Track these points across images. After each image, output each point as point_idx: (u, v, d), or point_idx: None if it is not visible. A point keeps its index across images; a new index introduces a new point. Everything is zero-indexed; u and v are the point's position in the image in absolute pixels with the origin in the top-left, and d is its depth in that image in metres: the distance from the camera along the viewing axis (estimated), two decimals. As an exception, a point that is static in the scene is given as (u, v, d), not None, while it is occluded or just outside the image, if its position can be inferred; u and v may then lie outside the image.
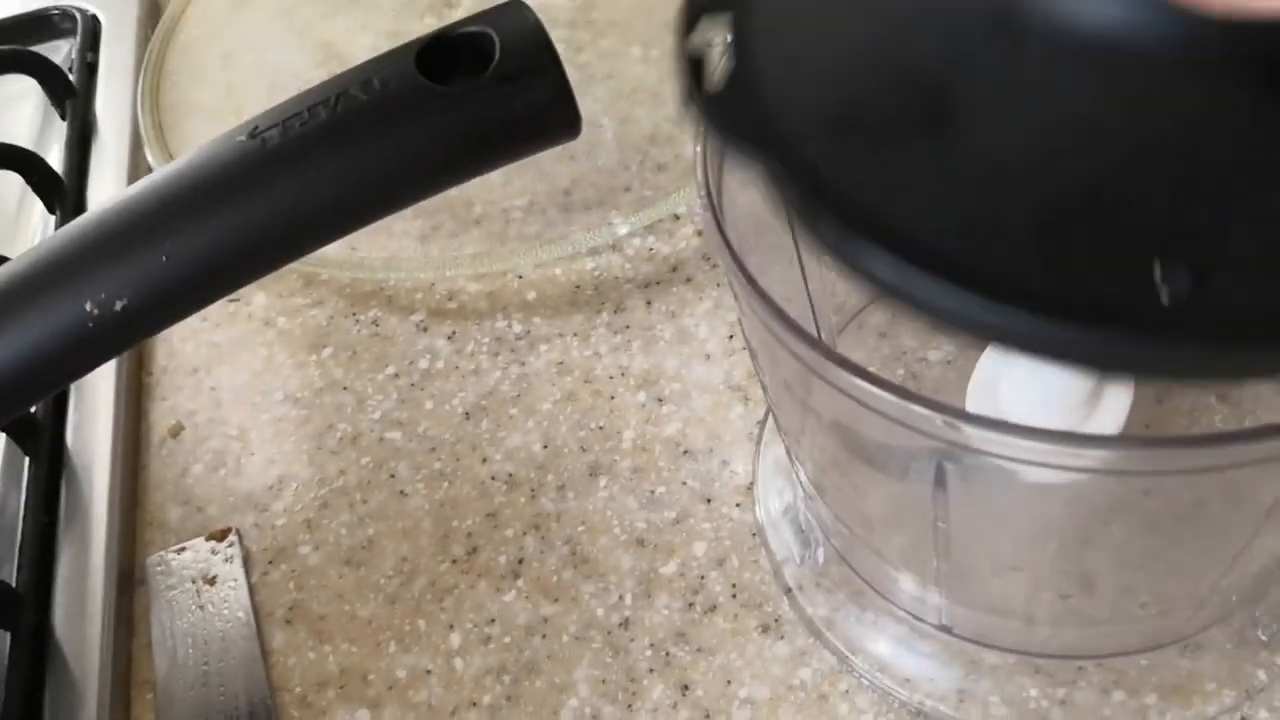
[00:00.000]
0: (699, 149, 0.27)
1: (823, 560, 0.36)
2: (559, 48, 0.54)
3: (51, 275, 0.28)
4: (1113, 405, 0.30)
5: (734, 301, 0.42)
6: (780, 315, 0.24)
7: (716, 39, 0.22)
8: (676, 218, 0.46)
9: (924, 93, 0.20)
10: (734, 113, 0.21)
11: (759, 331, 0.26)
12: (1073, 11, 0.18)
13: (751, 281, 0.24)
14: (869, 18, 0.22)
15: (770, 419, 0.39)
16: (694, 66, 0.22)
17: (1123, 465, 0.23)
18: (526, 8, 0.30)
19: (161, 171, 0.29)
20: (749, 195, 0.28)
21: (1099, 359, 0.17)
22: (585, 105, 0.50)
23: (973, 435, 0.22)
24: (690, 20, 0.22)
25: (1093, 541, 0.30)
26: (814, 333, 0.35)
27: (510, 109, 0.28)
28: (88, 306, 0.27)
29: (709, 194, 0.27)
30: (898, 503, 0.32)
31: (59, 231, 0.29)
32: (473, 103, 0.28)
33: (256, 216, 0.28)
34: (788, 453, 0.35)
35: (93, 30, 0.59)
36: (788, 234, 0.30)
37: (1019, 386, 0.30)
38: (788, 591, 0.36)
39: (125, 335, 0.28)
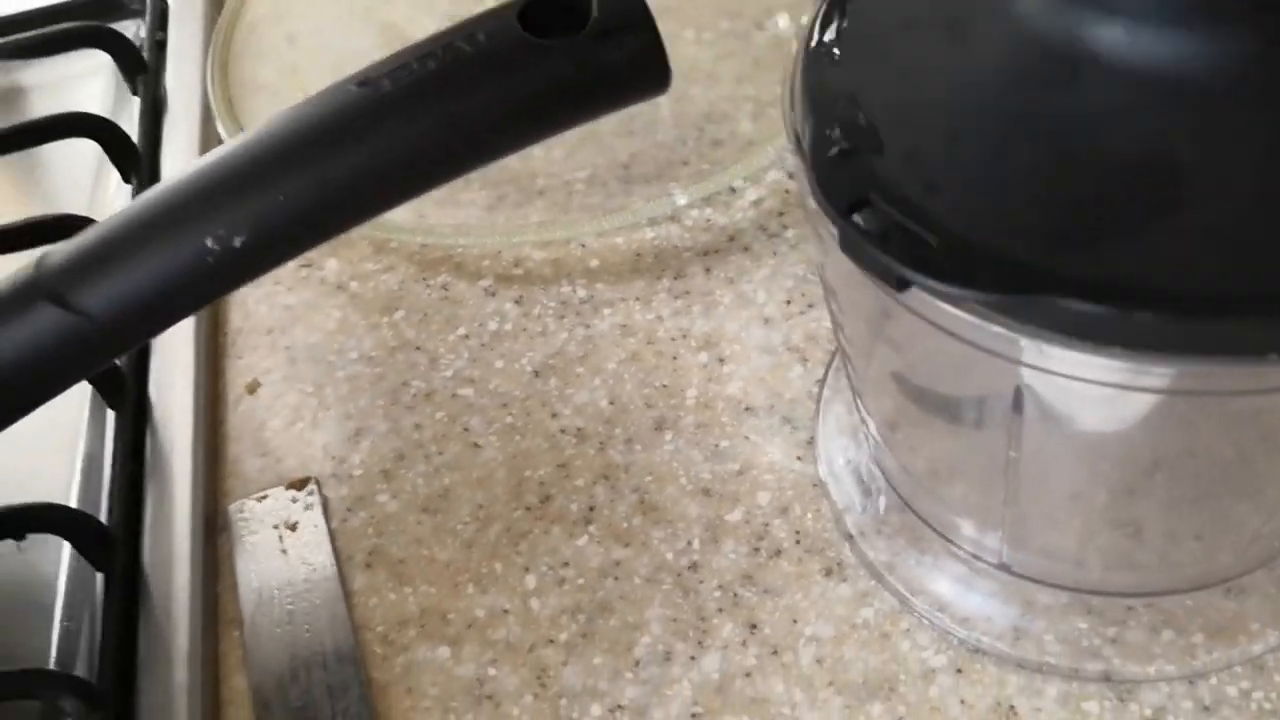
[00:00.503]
0: (784, 92, 0.29)
1: (884, 508, 0.38)
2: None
3: (175, 212, 0.30)
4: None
5: (790, 269, 0.44)
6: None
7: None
8: (733, 190, 0.48)
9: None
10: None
11: (842, 266, 0.27)
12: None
13: (841, 214, 0.26)
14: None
15: (830, 378, 0.41)
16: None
17: (1192, 384, 0.25)
18: (620, -31, 0.31)
19: (276, 118, 0.30)
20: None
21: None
22: (644, 83, 0.52)
23: (1052, 354, 0.24)
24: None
25: (1140, 490, 0.32)
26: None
27: (607, 62, 0.30)
28: (209, 242, 0.29)
29: (796, 138, 0.28)
30: (967, 449, 0.33)
31: (179, 173, 0.30)
32: (572, 56, 0.30)
33: (368, 159, 0.30)
34: (856, 404, 0.37)
35: (161, 10, 0.61)
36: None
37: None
38: (849, 538, 0.37)
39: (242, 271, 0.30)
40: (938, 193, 0.24)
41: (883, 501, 0.38)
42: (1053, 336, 0.23)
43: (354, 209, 0.30)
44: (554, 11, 0.31)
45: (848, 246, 0.25)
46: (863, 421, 0.37)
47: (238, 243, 0.29)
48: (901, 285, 0.24)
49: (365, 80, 0.30)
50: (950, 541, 0.36)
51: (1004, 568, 0.35)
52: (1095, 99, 0.24)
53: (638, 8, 0.30)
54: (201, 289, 0.30)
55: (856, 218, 0.24)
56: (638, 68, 0.31)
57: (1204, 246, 0.23)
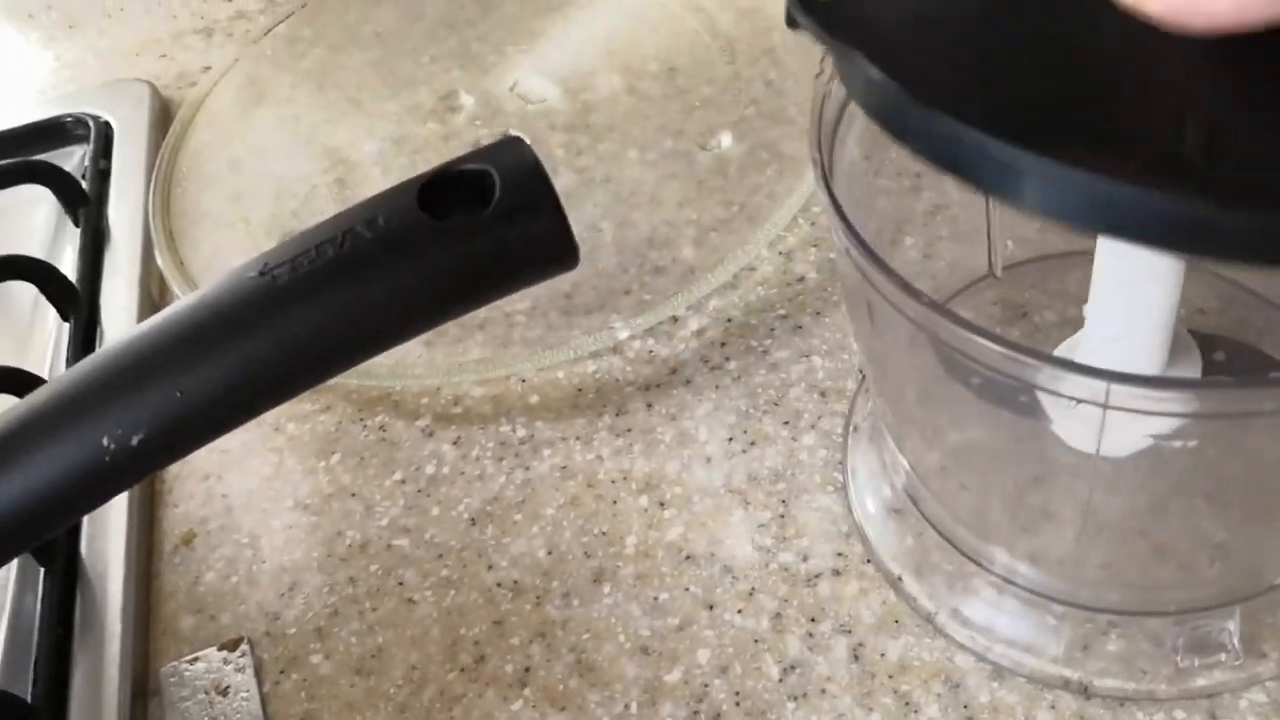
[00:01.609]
0: (814, 111, 0.30)
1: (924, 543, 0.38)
2: (558, 151, 0.55)
3: (68, 412, 0.29)
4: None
5: (732, 403, 0.43)
6: (885, 270, 0.26)
7: None
8: (675, 320, 0.47)
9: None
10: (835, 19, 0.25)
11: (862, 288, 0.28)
12: None
13: (862, 244, 0.27)
14: None
15: (851, 439, 0.41)
16: None
17: (1211, 406, 0.25)
18: (525, 145, 0.31)
19: (174, 308, 0.30)
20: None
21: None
22: (585, 209, 0.52)
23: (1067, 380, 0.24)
24: None
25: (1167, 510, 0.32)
26: (987, 267, 0.39)
27: (510, 244, 0.29)
28: (105, 441, 0.28)
29: (820, 154, 0.30)
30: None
31: (74, 368, 0.30)
32: (473, 238, 0.29)
33: (267, 351, 0.29)
34: (885, 446, 0.37)
35: (105, 136, 0.61)
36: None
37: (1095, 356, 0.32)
38: (898, 580, 0.37)
39: (141, 467, 0.29)
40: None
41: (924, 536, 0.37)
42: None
43: (253, 402, 0.30)
44: (455, 190, 0.30)
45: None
46: (889, 465, 0.37)
47: (135, 441, 0.28)
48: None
49: (264, 269, 0.29)
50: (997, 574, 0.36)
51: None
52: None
53: (541, 185, 0.30)
54: (100, 489, 0.29)
55: None
56: (543, 248, 0.30)
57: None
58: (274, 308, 0.29)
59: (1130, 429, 0.28)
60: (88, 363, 0.29)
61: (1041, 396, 0.31)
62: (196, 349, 0.29)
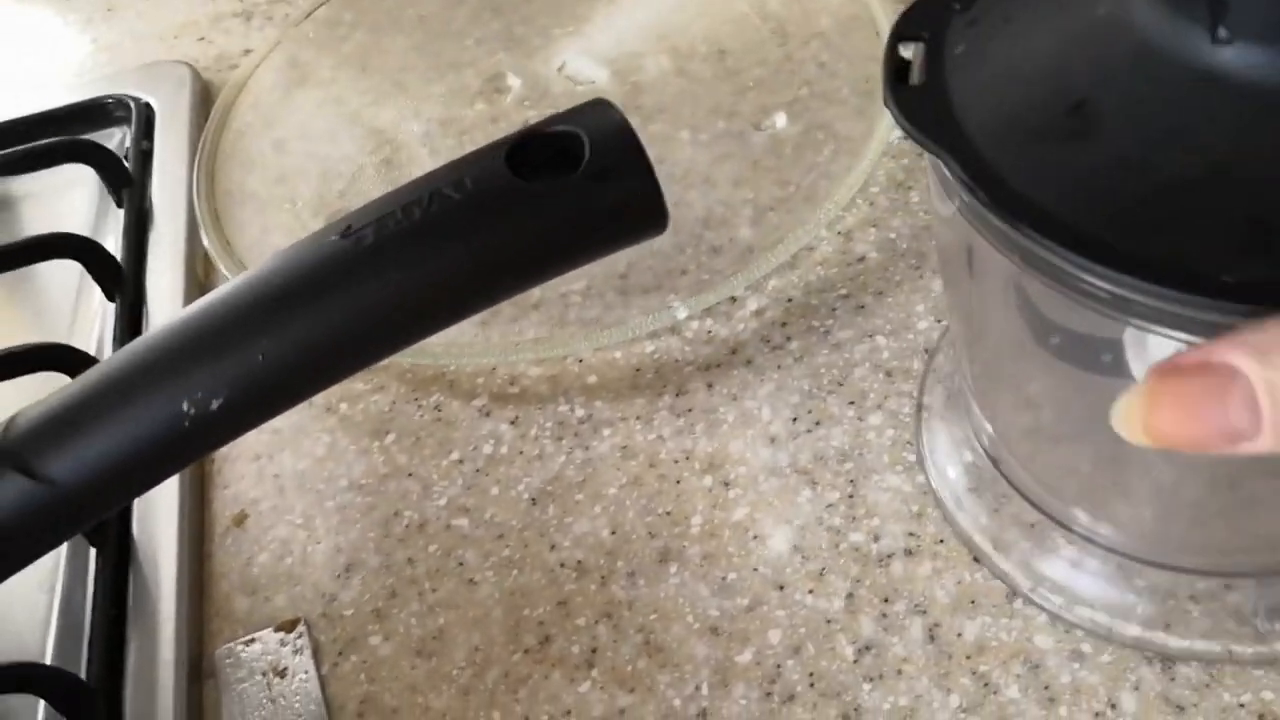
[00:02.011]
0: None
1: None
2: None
3: (147, 375, 0.28)
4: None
5: (795, 383, 0.42)
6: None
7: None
8: (734, 300, 0.46)
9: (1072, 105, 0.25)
10: (925, 109, 0.26)
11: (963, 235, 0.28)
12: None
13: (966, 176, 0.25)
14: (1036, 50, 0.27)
15: (924, 417, 0.40)
16: (898, 69, 0.27)
17: None
18: (612, 106, 0.30)
19: (255, 270, 0.29)
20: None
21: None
22: (639, 189, 0.51)
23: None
24: (896, 40, 0.28)
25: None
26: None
27: (601, 207, 0.29)
28: (184, 406, 0.28)
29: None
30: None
31: (151, 333, 0.29)
32: (564, 201, 0.29)
33: (350, 315, 0.28)
34: (970, 407, 0.37)
35: (147, 118, 0.60)
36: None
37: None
38: (980, 551, 0.37)
39: (221, 433, 0.29)
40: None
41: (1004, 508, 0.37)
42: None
43: (336, 367, 0.29)
44: (545, 152, 0.30)
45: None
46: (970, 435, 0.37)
47: (215, 405, 0.28)
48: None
49: (347, 231, 0.28)
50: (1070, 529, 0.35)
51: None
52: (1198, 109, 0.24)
53: (632, 148, 0.29)
54: (178, 454, 0.29)
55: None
56: (634, 211, 0.29)
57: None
58: (359, 269, 0.28)
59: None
60: (167, 327, 0.29)
61: (1129, 355, 0.31)
62: (279, 312, 0.28)
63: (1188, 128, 0.23)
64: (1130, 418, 0.22)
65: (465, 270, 0.29)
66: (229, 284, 0.29)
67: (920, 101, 0.26)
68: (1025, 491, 0.37)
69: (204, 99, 0.63)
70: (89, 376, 0.29)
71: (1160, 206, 0.23)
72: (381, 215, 0.29)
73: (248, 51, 0.66)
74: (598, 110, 0.30)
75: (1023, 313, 0.29)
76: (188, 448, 0.29)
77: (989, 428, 0.37)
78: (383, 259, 0.28)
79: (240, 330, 0.28)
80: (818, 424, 0.42)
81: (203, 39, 0.69)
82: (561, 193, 0.29)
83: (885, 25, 0.54)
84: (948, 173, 0.25)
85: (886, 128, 0.49)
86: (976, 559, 0.37)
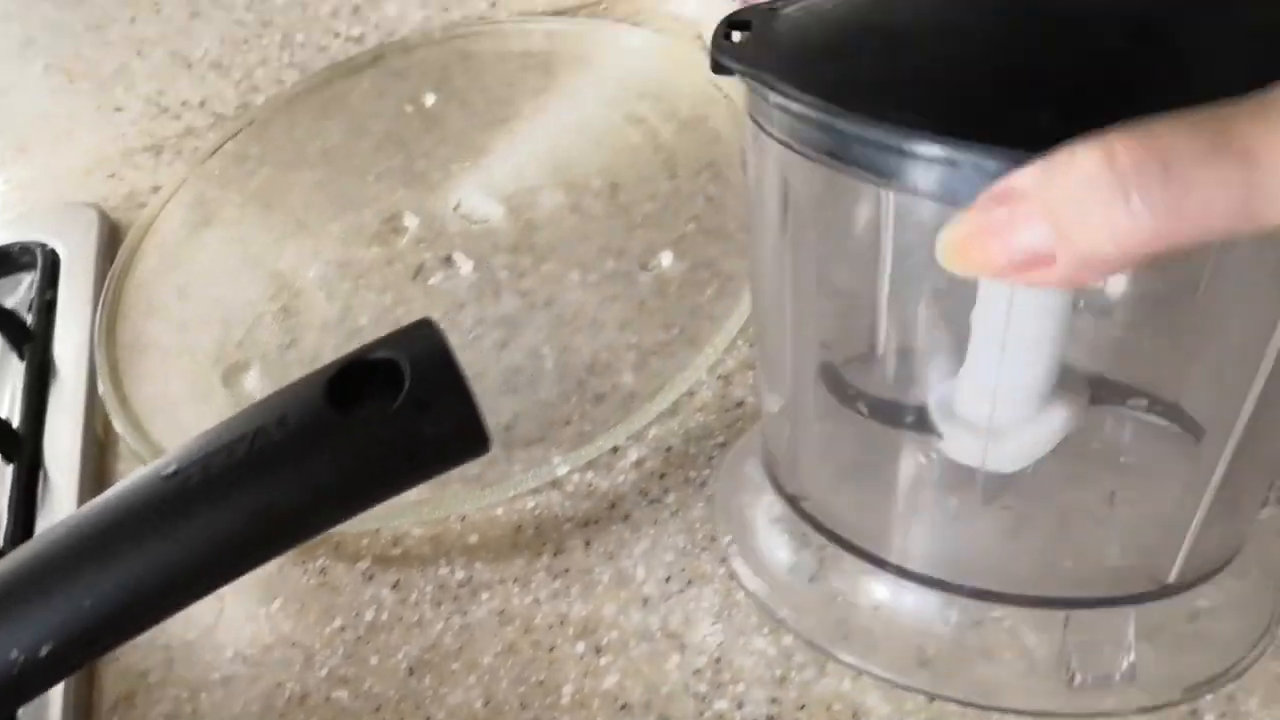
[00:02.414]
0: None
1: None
2: (502, 274, 0.56)
3: (-23, 622, 0.29)
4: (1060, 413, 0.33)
5: (670, 540, 0.43)
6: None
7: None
8: (615, 450, 0.47)
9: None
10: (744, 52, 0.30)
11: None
12: None
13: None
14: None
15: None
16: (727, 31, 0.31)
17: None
18: (435, 329, 0.31)
19: (84, 510, 0.30)
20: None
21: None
22: (527, 335, 0.52)
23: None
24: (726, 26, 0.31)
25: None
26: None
27: (421, 436, 0.30)
28: (13, 654, 0.28)
29: None
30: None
31: (-15, 574, 0.30)
32: (384, 432, 0.30)
33: (179, 556, 0.29)
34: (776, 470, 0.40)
35: (52, 265, 0.61)
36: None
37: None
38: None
39: (51, 676, 0.29)
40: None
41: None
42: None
43: (164, 605, 0.30)
44: (367, 378, 0.30)
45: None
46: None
47: (44, 652, 0.28)
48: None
49: (174, 473, 0.29)
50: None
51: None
52: None
53: (450, 374, 0.30)
54: (7, 699, 0.29)
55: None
56: (454, 438, 0.30)
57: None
58: (186, 511, 0.29)
59: (1015, 441, 0.32)
60: (-3, 570, 0.29)
61: (933, 412, 0.34)
62: (105, 556, 0.29)
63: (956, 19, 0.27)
64: (947, 248, 0.24)
65: (290, 505, 0.29)
66: (58, 524, 0.30)
67: (739, 50, 0.30)
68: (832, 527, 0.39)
69: (111, 240, 0.64)
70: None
71: (941, 76, 0.26)
72: (207, 454, 0.29)
73: (157, 188, 0.67)
74: (419, 334, 0.31)
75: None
76: (19, 691, 0.29)
77: (795, 475, 0.39)
78: (209, 499, 0.29)
79: (65, 576, 0.29)
80: (689, 583, 0.43)
81: (113, 175, 0.70)
82: (381, 424, 0.30)
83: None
84: (767, 93, 0.28)
85: (764, 270, 0.51)
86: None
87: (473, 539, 0.46)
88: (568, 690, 0.41)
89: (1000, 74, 0.26)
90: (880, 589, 0.39)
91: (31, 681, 0.29)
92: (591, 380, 0.50)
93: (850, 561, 0.37)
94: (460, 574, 0.45)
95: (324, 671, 0.43)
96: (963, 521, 0.37)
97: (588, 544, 0.45)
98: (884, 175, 0.26)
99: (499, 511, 0.46)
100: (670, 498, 0.45)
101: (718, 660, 0.40)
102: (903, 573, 0.36)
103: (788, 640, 0.40)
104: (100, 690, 0.45)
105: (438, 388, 0.30)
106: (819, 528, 0.38)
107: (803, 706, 0.39)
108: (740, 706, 0.39)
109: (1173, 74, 0.25)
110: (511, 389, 0.51)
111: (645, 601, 0.42)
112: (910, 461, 0.37)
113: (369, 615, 0.44)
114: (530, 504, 0.46)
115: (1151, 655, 0.35)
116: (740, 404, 0.48)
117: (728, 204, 0.56)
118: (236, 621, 0.45)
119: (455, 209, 0.60)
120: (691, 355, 0.49)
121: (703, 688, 0.40)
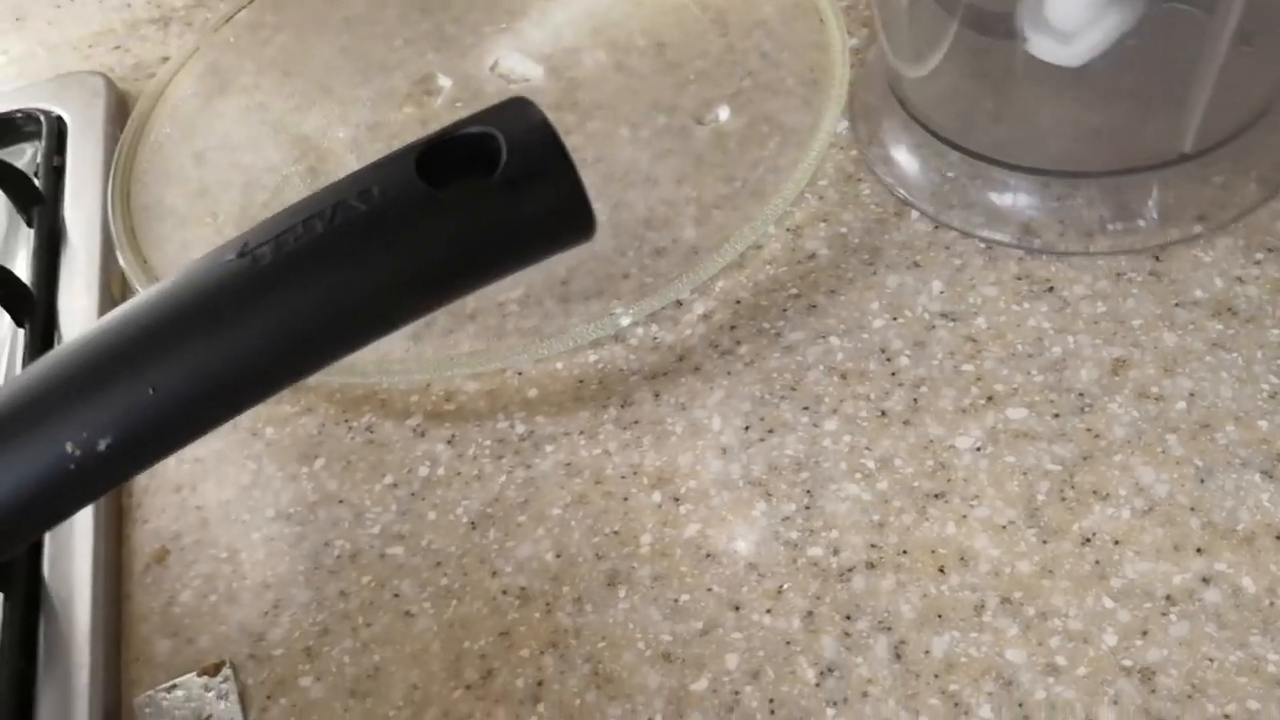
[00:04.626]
0: None
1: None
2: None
3: (26, 415, 0.26)
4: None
5: (745, 389, 0.40)
6: None
7: None
8: (679, 304, 0.44)
9: None
10: None
11: None
12: None
13: None
14: None
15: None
16: None
17: None
18: (531, 104, 0.28)
19: (144, 295, 0.26)
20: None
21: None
22: (577, 190, 0.48)
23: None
24: None
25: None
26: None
27: (520, 214, 0.26)
28: (68, 447, 0.25)
29: None
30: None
31: (30, 367, 0.26)
32: (480, 209, 0.26)
33: (249, 342, 0.26)
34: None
35: (58, 132, 0.57)
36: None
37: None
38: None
39: (111, 475, 0.26)
40: None
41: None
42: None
43: (236, 397, 0.26)
44: (459, 156, 0.27)
45: None
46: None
47: (103, 446, 0.25)
48: None
49: (244, 249, 0.26)
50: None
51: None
52: None
53: (553, 149, 0.27)
54: (63, 501, 0.26)
55: None
56: (557, 218, 0.27)
57: None
58: (256, 292, 0.26)
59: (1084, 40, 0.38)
60: (45, 361, 0.26)
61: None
62: (170, 340, 0.26)
63: None
64: None
65: (372, 289, 0.26)
66: (116, 310, 0.27)
67: None
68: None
69: (120, 110, 0.60)
70: (-39, 419, 0.26)
71: None
72: (280, 231, 0.26)
73: (165, 59, 0.63)
74: (516, 109, 0.28)
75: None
76: (76, 494, 0.26)
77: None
78: (281, 280, 0.26)
79: (128, 362, 0.25)
80: (770, 432, 0.40)
81: (118, 47, 0.66)
82: (476, 200, 0.26)
83: (830, 12, 0.52)
84: None
85: (833, 119, 0.47)
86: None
87: (532, 393, 0.43)
88: (646, 540, 0.38)
89: None
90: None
91: (89, 478, 0.25)
92: (649, 234, 0.47)
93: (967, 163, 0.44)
94: (521, 428, 0.42)
95: (376, 529, 0.40)
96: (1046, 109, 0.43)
97: (657, 395, 0.42)
98: None
99: (558, 365, 0.43)
100: (743, 349, 0.42)
101: (807, 508, 0.37)
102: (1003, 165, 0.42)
103: (883, 484, 0.37)
104: (130, 550, 0.41)
105: (539, 162, 0.27)
106: (938, 136, 0.44)
107: (904, 552, 0.36)
108: (836, 553, 0.36)
109: None
110: (564, 244, 0.47)
111: (724, 451, 0.39)
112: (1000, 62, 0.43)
113: (423, 471, 0.41)
114: (592, 358, 0.43)
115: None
116: (813, 256, 0.45)
117: (784, 60, 0.53)
118: (275, 481, 0.42)
119: (492, 69, 0.56)
120: (757, 208, 0.46)
121: (794, 534, 0.37)
